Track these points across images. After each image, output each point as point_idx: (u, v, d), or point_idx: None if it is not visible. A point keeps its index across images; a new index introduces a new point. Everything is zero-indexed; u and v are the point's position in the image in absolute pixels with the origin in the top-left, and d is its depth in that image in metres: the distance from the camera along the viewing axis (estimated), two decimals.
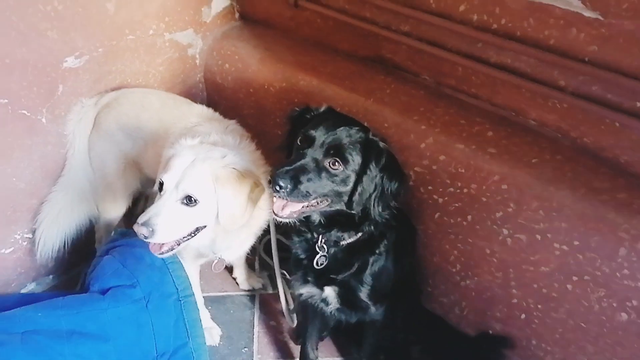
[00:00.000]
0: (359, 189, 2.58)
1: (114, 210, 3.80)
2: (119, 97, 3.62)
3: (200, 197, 2.75)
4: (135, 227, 2.69)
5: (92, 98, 3.67)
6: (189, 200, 2.74)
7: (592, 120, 2.81)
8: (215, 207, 2.82)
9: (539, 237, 2.82)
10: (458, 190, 3.07)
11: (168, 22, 3.95)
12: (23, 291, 3.87)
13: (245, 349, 3.58)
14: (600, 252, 2.64)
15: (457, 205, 3.11)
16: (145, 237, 2.70)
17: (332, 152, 2.55)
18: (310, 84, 3.65)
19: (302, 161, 2.54)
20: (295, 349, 3.57)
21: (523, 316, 3.08)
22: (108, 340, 2.98)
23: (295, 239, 2.94)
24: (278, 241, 3.43)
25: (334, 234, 2.78)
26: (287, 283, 3.57)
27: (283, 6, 4.04)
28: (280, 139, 2.98)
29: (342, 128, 2.60)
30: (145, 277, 3.13)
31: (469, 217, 3.08)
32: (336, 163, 2.55)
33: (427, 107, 3.28)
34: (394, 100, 3.37)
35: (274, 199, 2.62)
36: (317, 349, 3.37)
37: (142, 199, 4.14)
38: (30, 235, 3.72)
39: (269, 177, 2.62)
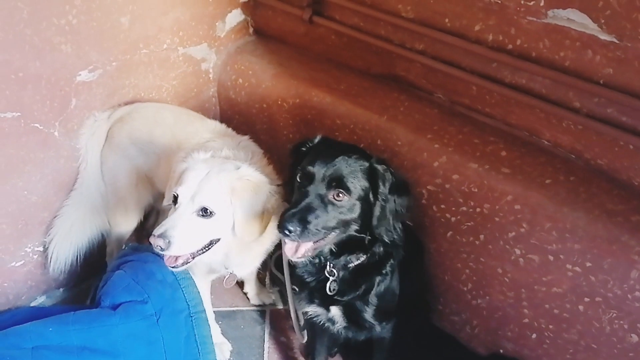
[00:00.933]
0: (376, 213, 2.59)
1: (126, 225, 3.79)
2: (132, 112, 3.62)
3: (216, 208, 2.75)
4: (152, 239, 2.68)
5: (105, 112, 3.67)
6: (205, 212, 2.75)
7: (606, 142, 2.80)
8: (231, 219, 2.83)
9: (551, 257, 2.82)
10: (471, 210, 3.06)
11: (182, 36, 3.94)
12: (33, 304, 3.86)
13: None
14: (613, 274, 2.63)
15: (469, 224, 3.10)
16: (162, 249, 2.69)
17: (334, 184, 2.53)
18: (323, 100, 3.64)
19: (307, 200, 2.52)
20: None
21: (534, 336, 3.06)
22: (118, 357, 2.97)
23: (302, 262, 2.89)
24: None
25: (343, 258, 2.77)
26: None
27: (297, 22, 4.03)
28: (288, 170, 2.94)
29: (340, 158, 2.58)
30: (156, 293, 3.11)
31: (482, 237, 3.07)
32: (340, 194, 2.54)
33: (440, 125, 3.27)
34: (408, 118, 3.36)
35: (286, 242, 2.61)
36: None
37: (153, 214, 4.13)
38: (41, 249, 3.72)
39: (278, 223, 2.56)
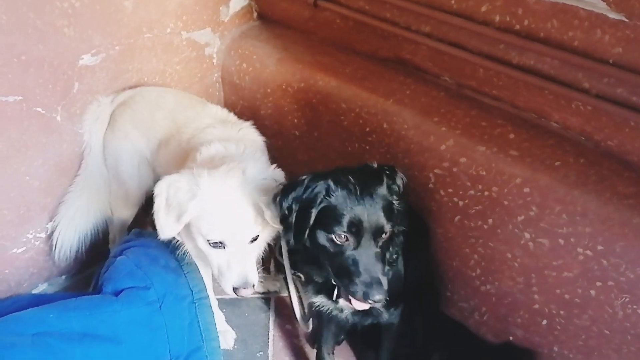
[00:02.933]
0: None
1: (127, 210, 3.78)
2: (134, 95, 3.60)
3: (260, 228, 2.79)
4: (239, 293, 2.76)
5: (109, 96, 3.65)
6: (255, 237, 2.79)
7: (616, 123, 2.75)
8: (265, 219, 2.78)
9: (562, 241, 2.77)
10: (479, 193, 3.01)
11: (186, 20, 3.91)
12: (35, 292, 3.84)
13: (260, 352, 3.53)
14: (625, 258, 2.58)
15: (477, 208, 3.05)
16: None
17: (379, 233, 2.47)
18: (328, 84, 3.60)
19: (376, 263, 2.45)
20: (311, 353, 3.52)
21: (545, 322, 3.02)
22: (120, 343, 2.94)
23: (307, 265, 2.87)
24: None
25: None
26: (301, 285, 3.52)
27: (302, 6, 3.99)
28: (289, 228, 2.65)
29: (367, 201, 2.47)
30: (159, 279, 3.09)
31: (490, 221, 3.02)
32: (383, 234, 2.49)
33: (447, 108, 3.23)
34: (414, 102, 3.31)
35: (354, 300, 2.54)
36: (333, 353, 3.32)
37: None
38: (43, 235, 3.70)
39: (360, 296, 2.46)
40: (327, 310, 3.00)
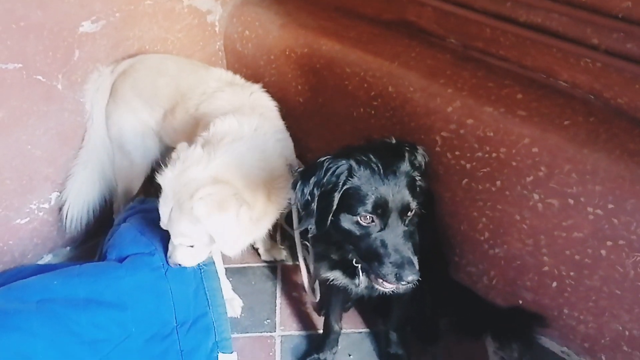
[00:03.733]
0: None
1: (132, 180, 3.74)
2: (135, 64, 3.56)
3: (192, 241, 2.83)
4: (169, 261, 2.99)
5: (109, 66, 3.61)
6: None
7: (626, 80, 2.70)
8: (212, 238, 2.77)
9: (571, 201, 2.74)
10: (487, 155, 2.98)
11: None
12: (39, 263, 3.82)
13: (268, 320, 3.51)
14: (636, 215, 2.55)
15: (485, 170, 3.02)
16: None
17: (405, 209, 2.38)
18: (332, 49, 3.56)
19: (406, 242, 2.37)
20: (318, 321, 3.50)
21: (555, 284, 3.00)
22: (126, 309, 2.92)
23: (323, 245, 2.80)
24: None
25: None
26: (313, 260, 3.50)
27: None
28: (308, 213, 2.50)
29: (391, 176, 2.37)
30: (163, 245, 3.06)
31: (498, 183, 2.99)
32: (409, 212, 2.40)
33: (453, 70, 3.19)
34: (420, 64, 3.27)
35: (386, 282, 2.44)
36: (341, 320, 3.29)
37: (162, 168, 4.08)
38: (46, 206, 3.67)
39: (395, 278, 2.37)
40: (341, 284, 2.94)
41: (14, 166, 3.38)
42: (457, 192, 3.20)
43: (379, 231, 2.37)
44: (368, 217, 2.36)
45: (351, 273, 2.79)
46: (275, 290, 3.72)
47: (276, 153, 3.00)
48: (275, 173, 2.95)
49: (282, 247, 3.98)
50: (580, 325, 2.99)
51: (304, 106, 3.88)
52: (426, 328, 3.41)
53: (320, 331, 3.38)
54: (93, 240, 3.96)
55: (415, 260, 2.34)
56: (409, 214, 2.39)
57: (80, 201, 3.71)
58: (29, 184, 3.51)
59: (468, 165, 3.08)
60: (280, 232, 4.00)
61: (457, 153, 3.10)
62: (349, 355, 3.34)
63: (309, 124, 3.91)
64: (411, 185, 2.39)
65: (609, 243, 2.68)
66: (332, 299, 3.17)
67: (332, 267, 2.84)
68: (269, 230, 3.24)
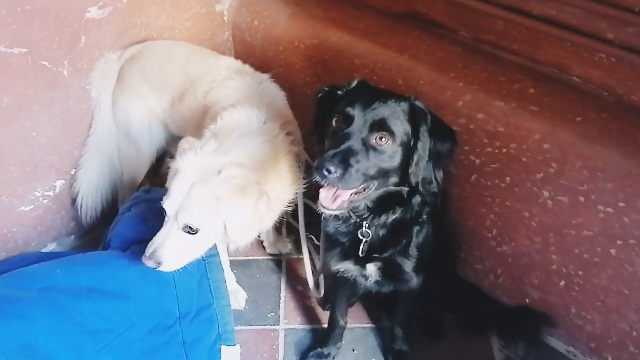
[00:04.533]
0: (415, 158, 2.40)
1: (137, 168, 3.74)
2: (143, 50, 3.54)
3: (201, 224, 2.67)
4: (143, 260, 2.69)
5: (116, 52, 3.59)
6: (190, 229, 2.67)
7: None
8: (222, 226, 2.72)
9: (582, 198, 2.71)
10: (496, 150, 2.95)
11: None
12: (43, 251, 3.79)
13: (272, 313, 3.50)
14: None
15: (494, 166, 2.99)
16: (155, 267, 2.70)
17: (376, 127, 2.36)
18: (341, 40, 3.54)
19: (348, 142, 2.33)
20: (323, 315, 3.48)
21: (562, 283, 2.97)
22: (129, 299, 2.89)
23: (333, 220, 2.74)
24: (306, 205, 3.30)
25: (384, 217, 2.60)
26: (315, 249, 3.47)
27: None
28: (310, 121, 2.77)
29: (380, 100, 2.41)
30: None
31: (507, 179, 2.96)
32: (383, 138, 2.35)
33: (464, 63, 3.16)
34: (430, 57, 3.25)
35: (321, 191, 2.41)
36: (346, 315, 3.27)
37: (167, 157, 4.06)
38: (51, 194, 3.65)
39: (315, 164, 2.33)
40: (351, 277, 2.92)
41: (18, 153, 3.36)
42: (465, 187, 3.17)
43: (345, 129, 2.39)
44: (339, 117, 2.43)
45: (362, 263, 2.79)
46: (280, 283, 3.70)
47: (285, 148, 2.98)
48: (284, 168, 2.93)
49: (288, 240, 3.96)
50: (587, 324, 2.96)
51: (311, 98, 3.84)
52: (431, 324, 3.39)
53: (325, 325, 3.36)
54: (97, 229, 3.94)
55: (336, 164, 2.27)
56: (381, 134, 2.37)
57: (92, 191, 3.71)
58: (34, 171, 3.49)
59: (477, 161, 3.05)
60: (286, 225, 3.97)
61: (466, 148, 3.06)
62: (353, 350, 3.32)
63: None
64: (396, 116, 2.41)
65: (619, 242, 2.65)
66: (339, 294, 3.15)
67: (343, 258, 2.83)
68: (275, 223, 3.22)
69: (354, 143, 2.32)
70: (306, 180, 3.03)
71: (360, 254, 2.72)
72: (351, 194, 2.40)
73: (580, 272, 2.87)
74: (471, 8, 3.16)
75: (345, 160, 2.28)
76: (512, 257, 3.14)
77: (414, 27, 3.48)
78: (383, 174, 2.42)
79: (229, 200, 2.62)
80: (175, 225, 2.66)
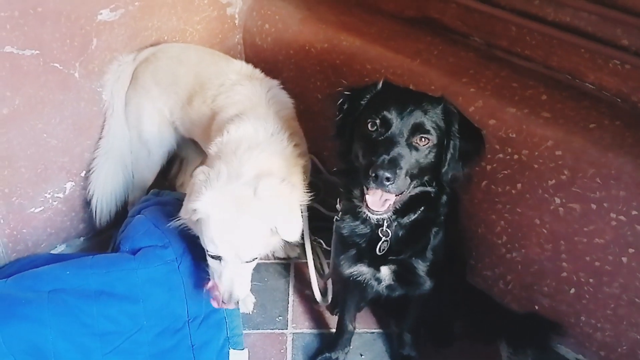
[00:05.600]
0: (448, 157, 2.41)
1: (148, 170, 3.74)
2: (157, 52, 3.56)
3: (261, 244, 2.75)
4: (222, 305, 2.78)
5: (130, 54, 3.60)
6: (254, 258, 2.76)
7: None
8: (272, 234, 2.75)
9: (594, 206, 2.70)
10: (508, 157, 2.94)
11: None
12: (53, 253, 3.79)
13: (280, 317, 3.49)
14: None
15: (506, 172, 2.98)
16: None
17: (417, 130, 2.36)
18: (353, 44, 3.54)
19: (396, 147, 2.32)
20: (331, 319, 3.47)
21: (573, 291, 2.95)
22: (138, 302, 2.90)
23: (349, 221, 2.73)
24: (315, 210, 3.29)
25: (405, 217, 2.60)
26: (323, 253, 3.49)
27: None
28: (331, 126, 2.73)
29: (415, 102, 2.40)
30: (177, 238, 3.03)
31: (519, 186, 2.95)
32: (423, 139, 2.36)
33: (476, 69, 3.16)
34: (441, 62, 3.25)
35: (368, 195, 2.42)
36: (355, 320, 3.26)
37: (177, 161, 4.08)
38: (61, 195, 3.65)
39: (371, 172, 2.30)
40: (363, 280, 2.91)
41: (29, 155, 3.35)
42: (475, 194, 3.16)
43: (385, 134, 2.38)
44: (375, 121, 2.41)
45: (376, 265, 2.78)
46: (288, 287, 3.70)
47: (293, 161, 2.98)
48: (294, 179, 2.93)
49: (296, 244, 3.94)
50: (597, 333, 2.95)
51: (322, 103, 3.84)
52: (440, 330, 3.37)
53: (333, 330, 3.34)
54: (107, 231, 3.93)
55: (392, 170, 2.28)
56: (421, 135, 2.37)
57: (107, 193, 3.72)
58: (44, 173, 3.49)
59: (488, 167, 3.04)
60: None
61: None
62: (361, 355, 3.31)
63: (327, 121, 3.86)
64: (432, 117, 2.40)
65: (630, 250, 2.63)
66: (348, 298, 3.15)
67: (357, 260, 2.81)
68: None
69: (400, 147, 2.33)
70: (312, 192, 3.02)
71: (379, 252, 2.69)
72: (396, 196, 2.41)
73: (591, 280, 2.85)
74: (484, 13, 3.16)
75: (396, 165, 2.29)
76: (523, 265, 3.13)
77: (426, 32, 3.48)
78: (421, 172, 2.43)
79: (277, 197, 2.66)
80: (237, 262, 2.69)
